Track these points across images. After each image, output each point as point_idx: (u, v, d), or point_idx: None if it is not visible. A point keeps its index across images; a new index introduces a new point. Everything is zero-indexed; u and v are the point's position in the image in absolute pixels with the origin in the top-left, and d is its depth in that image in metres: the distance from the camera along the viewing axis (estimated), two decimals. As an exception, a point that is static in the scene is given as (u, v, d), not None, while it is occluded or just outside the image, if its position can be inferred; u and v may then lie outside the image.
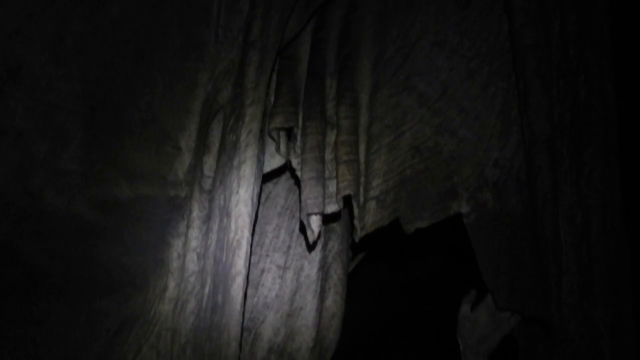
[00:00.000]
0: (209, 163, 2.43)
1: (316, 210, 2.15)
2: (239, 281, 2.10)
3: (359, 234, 2.18)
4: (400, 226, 2.22)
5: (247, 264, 2.14)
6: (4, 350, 2.14)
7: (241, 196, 2.16)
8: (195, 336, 2.23)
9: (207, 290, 2.24)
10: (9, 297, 2.18)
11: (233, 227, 2.15)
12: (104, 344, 2.23)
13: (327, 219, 2.41)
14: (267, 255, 2.59)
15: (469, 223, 2.15)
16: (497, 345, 2.16)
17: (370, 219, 2.18)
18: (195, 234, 2.33)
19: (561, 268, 2.04)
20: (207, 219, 2.33)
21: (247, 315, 2.50)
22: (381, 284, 4.26)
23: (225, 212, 2.20)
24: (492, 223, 2.14)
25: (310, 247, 2.57)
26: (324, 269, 2.61)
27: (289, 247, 2.62)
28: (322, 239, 2.60)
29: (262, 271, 2.58)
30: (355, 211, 2.17)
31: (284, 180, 2.67)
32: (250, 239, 2.15)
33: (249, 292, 2.48)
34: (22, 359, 2.16)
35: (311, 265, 2.60)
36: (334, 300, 2.57)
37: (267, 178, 2.49)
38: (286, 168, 2.47)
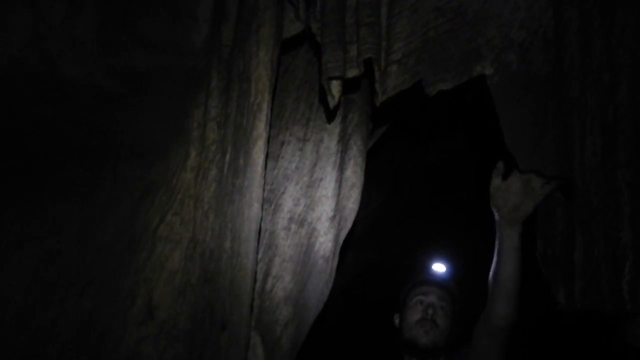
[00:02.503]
0: (227, 32, 2.37)
1: (337, 74, 2.11)
2: (260, 144, 2.11)
3: (380, 99, 2.14)
4: (420, 94, 2.18)
5: (268, 128, 2.13)
6: (34, 213, 2.19)
7: (261, 59, 2.12)
8: (217, 202, 2.26)
9: (228, 157, 2.25)
10: (33, 162, 2.21)
11: (253, 91, 2.13)
12: (129, 209, 2.28)
13: (347, 89, 2.37)
14: (287, 128, 2.58)
15: (492, 85, 2.10)
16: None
17: (391, 82, 2.14)
18: (214, 103, 2.31)
19: (585, 129, 2.01)
20: (227, 89, 2.30)
21: (267, 187, 2.52)
22: (397, 170, 4.27)
23: (245, 77, 2.17)
24: (516, 84, 2.09)
25: (330, 119, 2.56)
26: (343, 140, 2.60)
27: (309, 119, 2.60)
28: (341, 111, 2.58)
29: (282, 144, 2.58)
30: (377, 75, 2.12)
31: (303, 53, 2.62)
32: (271, 102, 2.13)
33: (269, 164, 2.49)
34: (49, 221, 2.21)
35: (331, 137, 2.59)
36: (353, 171, 2.58)
37: (285, 50, 2.44)
38: (305, 38, 2.41)
